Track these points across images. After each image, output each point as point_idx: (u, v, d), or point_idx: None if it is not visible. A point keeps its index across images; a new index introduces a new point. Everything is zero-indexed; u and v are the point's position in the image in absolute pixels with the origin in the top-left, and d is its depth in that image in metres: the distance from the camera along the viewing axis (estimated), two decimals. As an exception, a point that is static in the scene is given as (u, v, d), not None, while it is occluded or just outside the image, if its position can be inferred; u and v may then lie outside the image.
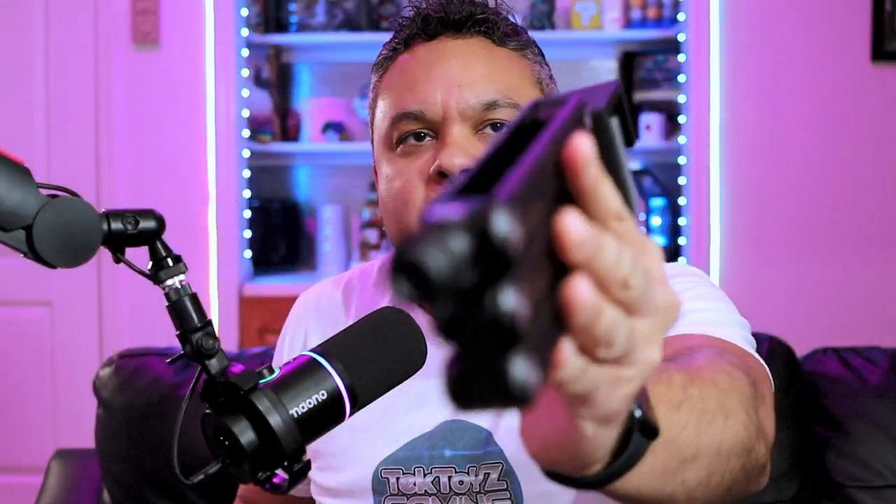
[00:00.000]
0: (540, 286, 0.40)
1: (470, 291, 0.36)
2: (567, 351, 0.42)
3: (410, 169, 0.98)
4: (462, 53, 1.00)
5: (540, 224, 0.40)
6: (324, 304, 1.16)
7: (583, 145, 0.42)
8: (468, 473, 0.98)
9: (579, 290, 0.40)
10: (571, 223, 0.40)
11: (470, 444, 0.99)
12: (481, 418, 1.00)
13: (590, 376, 0.44)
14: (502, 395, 0.37)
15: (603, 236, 0.41)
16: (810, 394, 1.47)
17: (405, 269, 0.34)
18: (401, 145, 0.99)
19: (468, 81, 0.98)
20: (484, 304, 0.36)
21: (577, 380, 0.44)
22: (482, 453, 0.98)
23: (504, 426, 0.99)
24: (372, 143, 1.07)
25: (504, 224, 0.35)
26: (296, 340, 1.15)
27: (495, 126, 0.98)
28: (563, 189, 0.44)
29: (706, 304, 0.95)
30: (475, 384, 0.37)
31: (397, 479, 1.00)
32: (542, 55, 1.07)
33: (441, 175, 0.95)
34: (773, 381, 0.89)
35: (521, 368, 0.36)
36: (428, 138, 0.99)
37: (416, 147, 0.99)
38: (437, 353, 0.39)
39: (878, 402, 1.44)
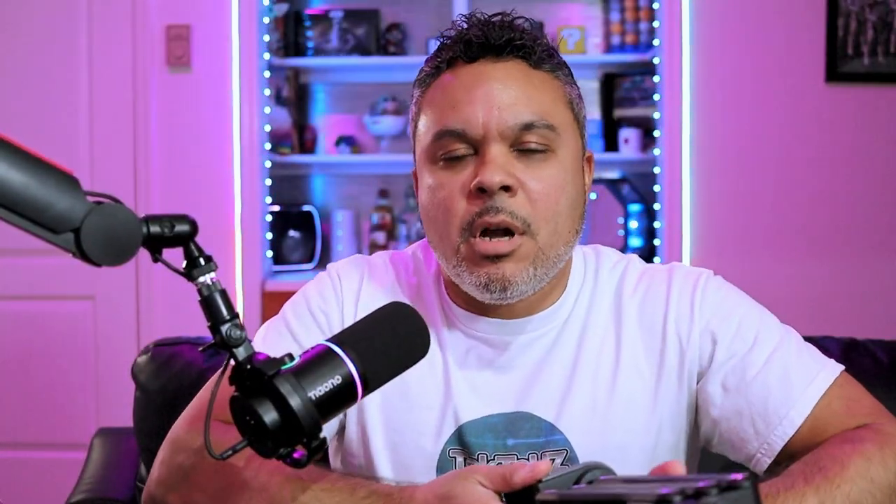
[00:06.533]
0: None
1: None
2: None
3: (452, 182, 0.95)
4: (501, 76, 0.96)
5: None
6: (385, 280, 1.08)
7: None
8: (528, 460, 0.95)
9: None
10: None
11: (531, 433, 0.97)
12: (544, 410, 0.97)
13: None
14: None
15: None
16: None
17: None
18: (443, 159, 0.96)
19: (507, 103, 0.94)
20: None
21: None
22: (544, 441, 0.96)
23: (566, 416, 0.97)
24: (413, 152, 1.03)
25: None
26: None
27: (530, 147, 0.95)
28: None
29: (763, 347, 0.96)
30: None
31: (462, 461, 0.97)
32: (572, 76, 1.03)
33: (480, 190, 0.92)
34: (850, 376, 0.92)
35: None
36: (468, 153, 0.95)
37: (457, 161, 0.95)
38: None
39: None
